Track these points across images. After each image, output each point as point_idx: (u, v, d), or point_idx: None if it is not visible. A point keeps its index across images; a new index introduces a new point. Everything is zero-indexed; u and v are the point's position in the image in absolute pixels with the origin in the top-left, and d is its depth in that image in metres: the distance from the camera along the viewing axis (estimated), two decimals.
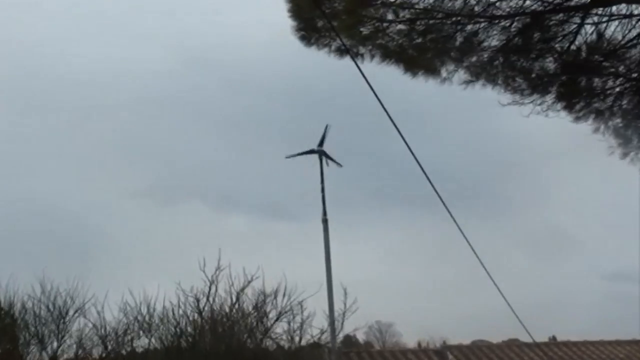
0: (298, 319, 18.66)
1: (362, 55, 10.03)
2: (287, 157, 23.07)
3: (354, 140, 32.02)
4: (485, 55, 10.66)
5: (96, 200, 36.94)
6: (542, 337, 24.04)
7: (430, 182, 10.49)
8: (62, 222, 34.31)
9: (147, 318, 18.50)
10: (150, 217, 38.40)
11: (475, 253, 12.13)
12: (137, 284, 18.73)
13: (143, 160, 42.06)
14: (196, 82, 42.76)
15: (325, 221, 21.21)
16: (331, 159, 22.84)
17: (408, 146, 10.17)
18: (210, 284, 18.76)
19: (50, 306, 18.25)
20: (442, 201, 10.97)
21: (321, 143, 23.25)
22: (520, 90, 11.28)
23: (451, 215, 11.25)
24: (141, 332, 18.50)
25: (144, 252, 32.12)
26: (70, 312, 18.34)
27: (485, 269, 12.57)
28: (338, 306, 19.40)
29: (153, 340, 18.60)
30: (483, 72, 10.86)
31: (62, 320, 18.28)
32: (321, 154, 23.05)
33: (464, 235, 11.65)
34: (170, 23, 41.52)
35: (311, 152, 23.07)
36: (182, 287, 18.64)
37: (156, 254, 31.61)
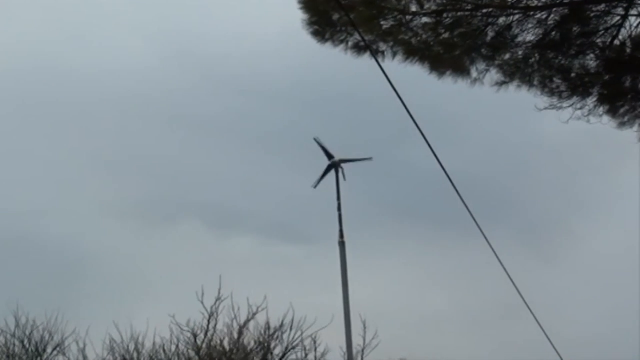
0: (311, 356, 18.21)
1: (382, 52, 9.82)
2: (313, 187, 22.88)
3: (374, 148, 31.52)
4: (520, 52, 10.49)
5: (77, 220, 36.49)
6: None
7: (461, 199, 10.42)
8: (37, 246, 33.79)
9: (135, 356, 18.04)
10: (139, 239, 37.62)
11: (512, 280, 12.23)
12: (124, 317, 18.30)
13: (131, 173, 41.16)
14: (191, 82, 41.93)
15: (341, 243, 20.83)
16: (355, 160, 22.48)
17: (437, 157, 9.81)
18: (209, 317, 18.64)
19: (26, 342, 17.85)
20: (475, 220, 10.89)
21: (328, 155, 23.00)
22: (558, 92, 11.09)
23: (485, 238, 11.24)
24: None
25: (133, 279, 31.57)
26: (48, 349, 18.01)
27: (523, 299, 12.67)
28: (356, 341, 19.05)
29: None
30: (517, 72, 10.66)
31: (38, 358, 17.79)
32: (335, 166, 22.76)
33: (500, 261, 11.66)
34: (162, 15, 41.04)
35: (328, 169, 22.79)
36: (176, 320, 18.36)
37: (147, 282, 31.09)
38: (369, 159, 23.25)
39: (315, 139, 23.40)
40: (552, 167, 38.92)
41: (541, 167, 39.60)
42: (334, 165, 23.18)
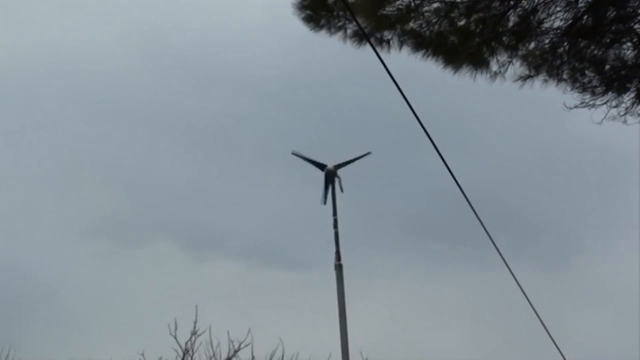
0: None
1: (388, 42, 9.51)
2: (323, 203, 22.34)
3: (375, 158, 30.85)
4: (547, 41, 10.29)
5: (33, 241, 35.73)
6: None
7: (477, 215, 10.24)
8: None
9: None
10: (105, 263, 36.64)
11: (535, 311, 11.83)
12: (85, 353, 17.93)
13: (96, 187, 40.13)
14: (165, 79, 40.98)
15: (338, 267, 20.33)
16: (353, 160, 21.93)
17: (447, 166, 9.70)
18: (184, 355, 18.00)
19: None
20: (493, 242, 10.68)
21: (318, 165, 22.43)
22: (590, 88, 10.90)
23: (504, 261, 10.92)
24: None
25: (96, 310, 30.83)
26: None
27: (549, 333, 12.24)
28: None
29: None
30: (544, 64, 10.48)
31: None
32: (331, 176, 22.25)
33: (521, 287, 11.33)
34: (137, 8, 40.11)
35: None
36: (145, 358, 17.86)
37: (111, 314, 30.34)
38: (368, 154, 22.80)
39: (294, 153, 22.95)
40: (584, 177, 37.71)
41: (571, 177, 38.41)
42: (330, 174, 22.68)
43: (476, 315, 33.04)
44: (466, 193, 10.02)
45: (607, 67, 10.74)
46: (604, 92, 10.85)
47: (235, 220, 37.48)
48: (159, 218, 38.75)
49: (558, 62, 10.51)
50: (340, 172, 23.03)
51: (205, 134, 40.14)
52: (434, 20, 9.59)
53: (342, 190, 22.58)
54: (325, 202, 22.39)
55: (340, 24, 9.43)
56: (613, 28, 10.43)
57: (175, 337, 18.05)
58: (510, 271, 11.33)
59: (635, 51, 10.71)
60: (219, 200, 38.47)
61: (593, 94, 10.83)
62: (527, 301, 11.81)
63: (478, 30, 9.81)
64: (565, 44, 10.41)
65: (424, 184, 33.06)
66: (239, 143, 38.87)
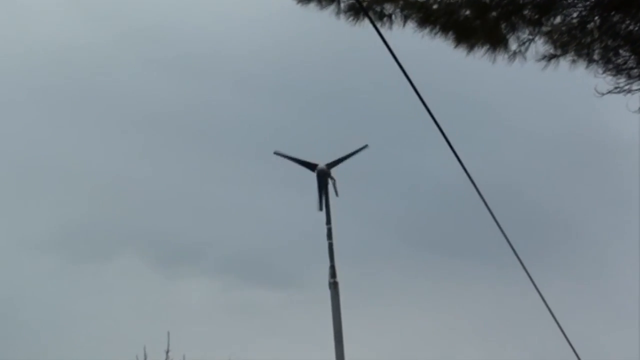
0: None
1: (389, 17, 9.15)
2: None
3: (374, 154, 29.63)
4: (575, 15, 9.92)
5: None
6: None
7: (496, 221, 10.09)
8: None
9: None
10: (62, 280, 35.32)
11: (561, 329, 11.53)
12: None
13: (52, 193, 38.70)
14: (135, 65, 39.48)
15: (333, 285, 19.41)
16: (349, 155, 21.02)
17: (462, 165, 9.31)
18: None
19: None
20: (514, 250, 10.51)
21: (307, 165, 21.59)
22: (626, 70, 10.45)
23: (528, 273, 10.73)
24: None
25: (53, 334, 29.85)
26: None
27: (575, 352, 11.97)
28: None
29: None
30: (571, 42, 10.10)
31: None
32: (324, 177, 21.40)
33: (546, 303, 11.07)
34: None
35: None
36: None
37: (71, 338, 29.41)
38: (365, 147, 21.98)
39: (277, 153, 22.20)
40: (618, 177, 35.70)
41: (603, 176, 36.60)
42: (322, 175, 21.83)
43: (491, 336, 32.13)
44: (482, 193, 9.88)
45: None
46: None
47: (212, 231, 36.28)
48: (123, 228, 37.12)
49: (588, 39, 10.12)
50: (334, 172, 22.18)
51: (180, 129, 38.90)
52: None
53: (337, 194, 21.78)
54: (321, 208, 21.56)
55: None
56: None
57: None
58: (535, 285, 11.42)
59: None
60: (193, 207, 37.20)
61: (629, 77, 10.39)
62: (553, 320, 11.76)
63: (495, 2, 9.50)
64: (596, 18, 10.07)
65: (431, 184, 32.18)
66: (218, 140, 37.80)
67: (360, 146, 22.05)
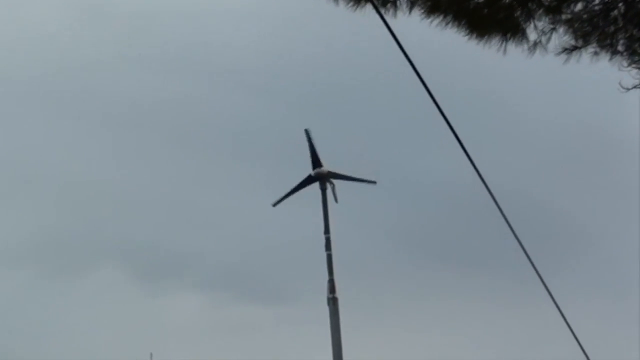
0: None
1: (394, 3, 8.71)
2: (274, 205, 21.16)
3: (377, 154, 28.70)
4: (597, 2, 9.65)
5: None
6: None
7: (511, 228, 9.91)
8: None
9: None
10: (32, 297, 33.99)
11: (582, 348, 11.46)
12: None
13: (18, 199, 37.14)
14: (111, 66, 38.12)
15: (332, 300, 18.90)
16: (355, 179, 20.48)
17: (475, 166, 9.17)
18: None
19: None
20: (530, 259, 10.32)
21: (316, 160, 20.96)
22: None
23: (548, 290, 10.64)
24: None
25: (23, 356, 28.94)
26: None
27: None
28: None
29: None
30: (594, 32, 9.78)
31: None
32: (323, 180, 20.77)
33: (565, 320, 10.98)
34: None
35: (307, 181, 20.79)
36: None
37: (44, 357, 28.56)
38: (373, 182, 21.49)
39: (306, 131, 21.60)
40: None
41: (629, 179, 34.99)
42: (321, 178, 21.23)
43: (505, 351, 31.12)
44: (497, 199, 9.69)
45: None
46: None
47: (199, 240, 35.10)
48: (100, 238, 35.90)
49: (611, 28, 9.81)
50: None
51: (163, 128, 37.70)
52: None
53: (336, 200, 21.17)
54: (276, 205, 21.02)
55: None
56: None
57: None
58: (557, 305, 10.97)
59: None
60: (178, 214, 36.16)
61: None
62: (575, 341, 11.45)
63: None
64: (621, 4, 9.80)
65: (440, 188, 31.07)
66: (206, 140, 36.61)
67: (369, 179, 21.55)
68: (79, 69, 37.33)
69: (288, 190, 21.71)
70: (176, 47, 36.58)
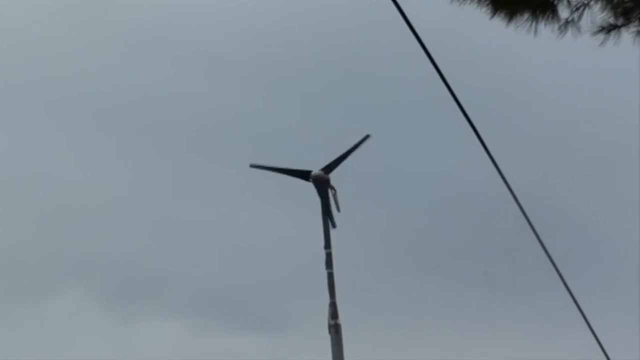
0: None
1: None
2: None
3: (379, 157, 27.37)
4: None
5: None
6: None
7: (541, 242, 9.52)
8: None
9: None
10: None
11: None
12: None
13: None
14: (92, 47, 36.36)
15: (335, 328, 18.18)
16: (345, 156, 19.57)
17: (497, 168, 8.78)
18: None
19: None
20: (562, 277, 10.01)
21: (300, 174, 20.13)
22: None
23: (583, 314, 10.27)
24: None
25: None
26: None
27: None
28: None
29: None
30: (635, 9, 9.44)
31: None
32: (321, 185, 19.93)
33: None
34: None
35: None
36: None
37: None
38: (367, 138, 20.49)
39: (253, 166, 20.96)
40: None
41: None
42: (319, 183, 20.37)
43: None
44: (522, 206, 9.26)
45: None
46: None
47: (178, 259, 33.60)
48: (66, 256, 34.59)
49: None
50: (334, 179, 20.67)
51: (137, 127, 36.09)
52: None
53: (338, 208, 20.28)
54: (334, 224, 20.00)
55: None
56: None
57: None
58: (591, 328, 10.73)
59: None
60: (154, 229, 34.65)
61: None
62: None
63: None
64: None
65: (455, 192, 29.46)
66: (186, 142, 34.94)
67: (362, 138, 20.51)
68: (45, 62, 35.83)
69: (321, 206, 20.62)
70: (149, 32, 35.23)
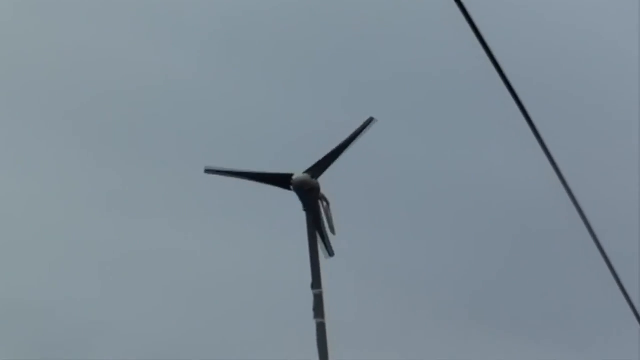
0: None
1: None
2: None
3: (384, 158, 23.33)
4: None
5: None
6: None
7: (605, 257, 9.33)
8: None
9: None
10: None
11: None
12: None
13: None
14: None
15: None
16: (343, 148, 16.59)
17: (557, 169, 8.70)
18: None
19: None
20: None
21: (279, 181, 17.11)
22: None
23: None
24: None
25: None
26: None
27: None
28: None
29: None
30: None
31: None
32: (309, 191, 16.60)
33: None
34: None
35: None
36: None
37: None
38: (371, 121, 17.66)
39: (208, 170, 18.05)
40: None
41: None
42: (304, 191, 17.40)
43: None
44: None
45: None
46: None
47: (113, 303, 28.05)
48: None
49: None
50: (324, 187, 17.49)
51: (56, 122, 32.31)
52: None
53: (333, 231, 17.08)
54: (330, 252, 16.98)
55: None
56: None
57: None
58: None
59: None
60: (77, 261, 30.03)
61: None
62: None
63: None
64: None
65: (477, 201, 24.97)
66: (141, 145, 31.14)
67: (366, 121, 17.60)
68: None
69: (307, 227, 17.55)
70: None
